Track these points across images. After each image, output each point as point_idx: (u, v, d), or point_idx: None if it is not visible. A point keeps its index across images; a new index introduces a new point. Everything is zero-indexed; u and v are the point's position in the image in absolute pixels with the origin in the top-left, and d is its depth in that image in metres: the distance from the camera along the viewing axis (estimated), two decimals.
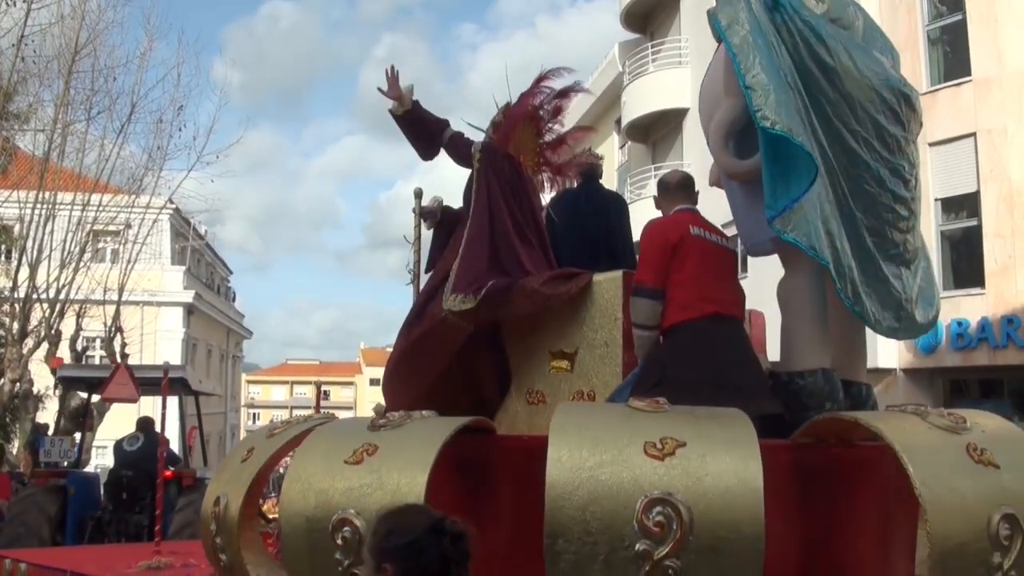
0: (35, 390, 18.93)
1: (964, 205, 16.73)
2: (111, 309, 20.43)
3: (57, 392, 18.51)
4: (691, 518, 2.71)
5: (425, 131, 5.78)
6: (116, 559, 6.39)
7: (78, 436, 17.45)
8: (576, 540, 2.79)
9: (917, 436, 2.91)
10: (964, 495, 2.70)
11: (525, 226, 5.55)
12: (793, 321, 4.50)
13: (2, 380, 17.60)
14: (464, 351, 5.36)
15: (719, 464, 2.80)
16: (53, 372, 17.99)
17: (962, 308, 16.20)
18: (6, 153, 18.74)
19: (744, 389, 4.08)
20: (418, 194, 6.35)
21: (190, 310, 33.32)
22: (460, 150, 5.70)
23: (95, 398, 13.14)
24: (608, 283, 4.92)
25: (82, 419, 13.00)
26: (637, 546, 2.74)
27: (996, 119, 16.08)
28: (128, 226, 21.44)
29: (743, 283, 4.68)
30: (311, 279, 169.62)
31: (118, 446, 11.67)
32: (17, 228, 19.75)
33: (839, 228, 4.27)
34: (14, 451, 18.94)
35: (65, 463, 12.45)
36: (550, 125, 6.03)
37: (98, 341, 23.05)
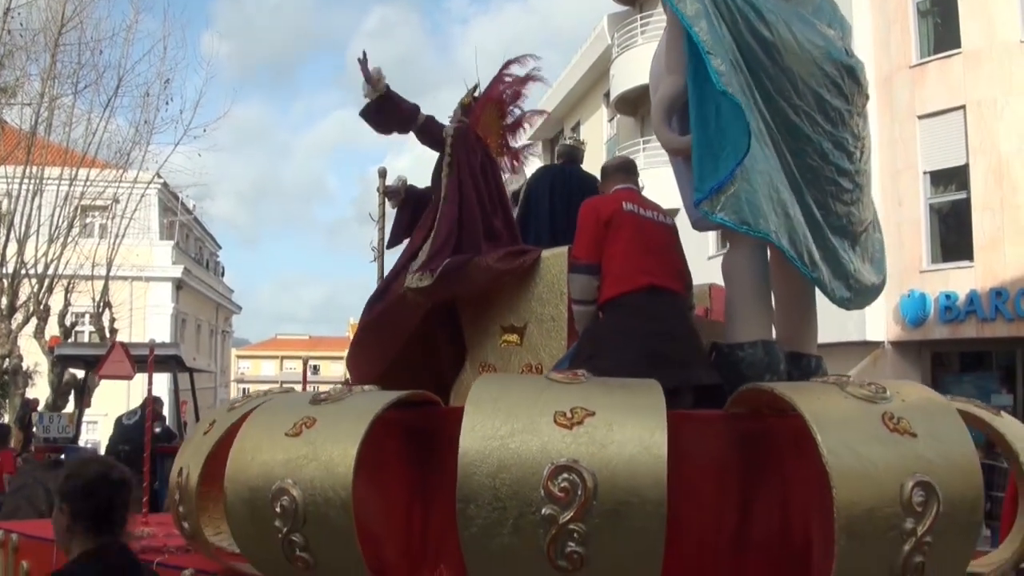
0: (24, 366, 19.06)
1: (953, 178, 16.78)
2: (100, 284, 20.56)
3: (55, 370, 18.73)
4: (595, 484, 2.84)
5: (398, 115, 5.86)
6: None
7: (70, 410, 17.89)
8: (486, 505, 2.94)
9: (830, 405, 3.00)
10: (875, 463, 2.79)
11: (492, 206, 5.71)
12: (734, 294, 4.58)
13: None
14: (425, 327, 5.54)
15: (625, 432, 2.93)
16: (50, 351, 18.36)
17: (951, 281, 16.31)
18: None
19: (677, 360, 4.17)
20: (382, 173, 6.52)
21: (179, 285, 33.30)
22: (433, 134, 5.82)
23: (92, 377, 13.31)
24: (555, 259, 5.04)
25: (80, 395, 13.22)
26: (543, 511, 2.88)
27: (986, 91, 16.09)
28: (116, 201, 21.45)
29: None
30: (301, 254, 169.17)
31: (118, 421, 12.02)
32: (5, 203, 19.78)
33: (792, 197, 4.36)
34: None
35: (62, 438, 12.65)
36: (511, 108, 6.23)
37: (87, 316, 23.12)
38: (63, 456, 11.36)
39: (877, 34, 17.59)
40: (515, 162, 6.38)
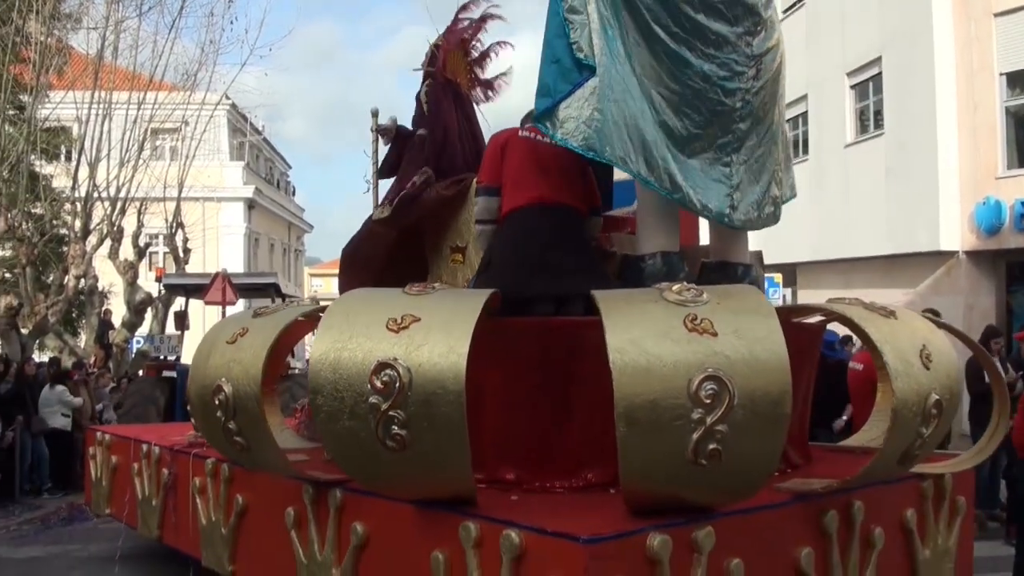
0: (99, 286, 20.19)
1: None
2: (172, 205, 21.47)
3: (160, 297, 20.13)
4: (410, 378, 3.39)
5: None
6: (177, 432, 7.31)
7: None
8: (329, 396, 3.54)
9: (635, 310, 3.34)
10: (661, 358, 3.11)
11: (462, 141, 6.47)
12: (640, 211, 4.95)
13: (67, 277, 18.74)
14: (398, 254, 6.27)
15: (438, 335, 3.45)
16: (158, 280, 19.76)
17: None
18: (61, 54, 19.60)
19: (555, 269, 4.58)
20: (375, 113, 7.09)
21: (251, 205, 34.30)
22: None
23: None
24: None
25: (181, 320, 14.62)
26: (371, 400, 3.45)
27: None
28: (185, 123, 22.28)
29: None
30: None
31: None
32: (75, 128, 20.76)
33: (655, 126, 4.64)
34: (82, 344, 20.34)
35: (172, 357, 14.47)
36: (473, 43, 6.80)
37: (160, 237, 24.24)
38: (174, 373, 12.91)
39: None
40: (489, 91, 6.95)
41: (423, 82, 6.59)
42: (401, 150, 6.55)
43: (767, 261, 21.64)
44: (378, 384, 3.42)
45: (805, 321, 5.24)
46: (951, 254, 16.72)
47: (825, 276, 19.85)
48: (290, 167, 47.75)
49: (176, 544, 6.48)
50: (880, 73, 18.18)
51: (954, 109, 16.59)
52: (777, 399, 3.16)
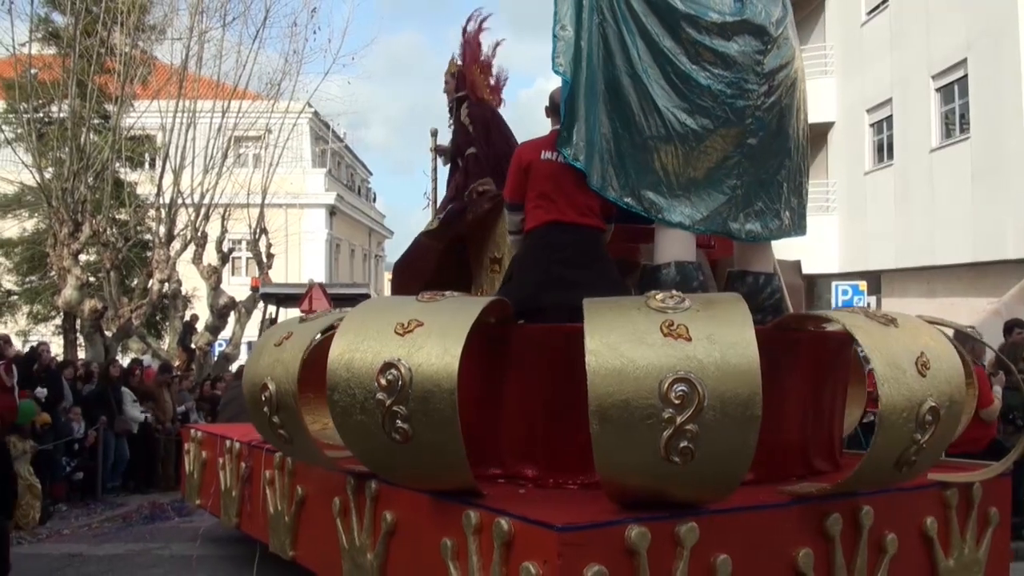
0: (183, 290, 21.07)
1: None
2: (255, 212, 22.24)
3: (257, 305, 20.92)
4: (411, 377, 3.77)
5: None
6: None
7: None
8: (343, 393, 3.96)
9: (615, 316, 3.65)
10: (635, 361, 3.41)
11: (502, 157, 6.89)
12: (656, 222, 5.24)
13: (151, 281, 19.60)
14: (446, 261, 6.87)
15: (436, 339, 3.84)
16: (254, 290, 20.95)
17: None
18: (145, 64, 20.53)
19: (569, 283, 4.92)
20: (434, 133, 7.86)
21: (332, 211, 35.28)
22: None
23: (293, 312, 15.22)
24: None
25: (271, 325, 15.48)
26: (377, 396, 3.85)
27: None
28: (268, 131, 23.07)
29: None
30: None
31: None
32: (160, 137, 21.69)
33: (656, 144, 5.05)
34: (165, 347, 21.24)
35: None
36: (482, 58, 7.32)
37: (243, 243, 25.10)
38: None
39: None
40: (497, 96, 7.45)
41: (459, 105, 7.15)
42: (462, 170, 7.13)
43: (850, 268, 21.74)
44: (384, 382, 3.82)
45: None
46: None
47: (909, 284, 19.71)
48: (371, 174, 48.97)
49: (250, 531, 7.09)
50: (966, 76, 18.01)
51: None
52: (747, 402, 3.43)
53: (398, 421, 3.81)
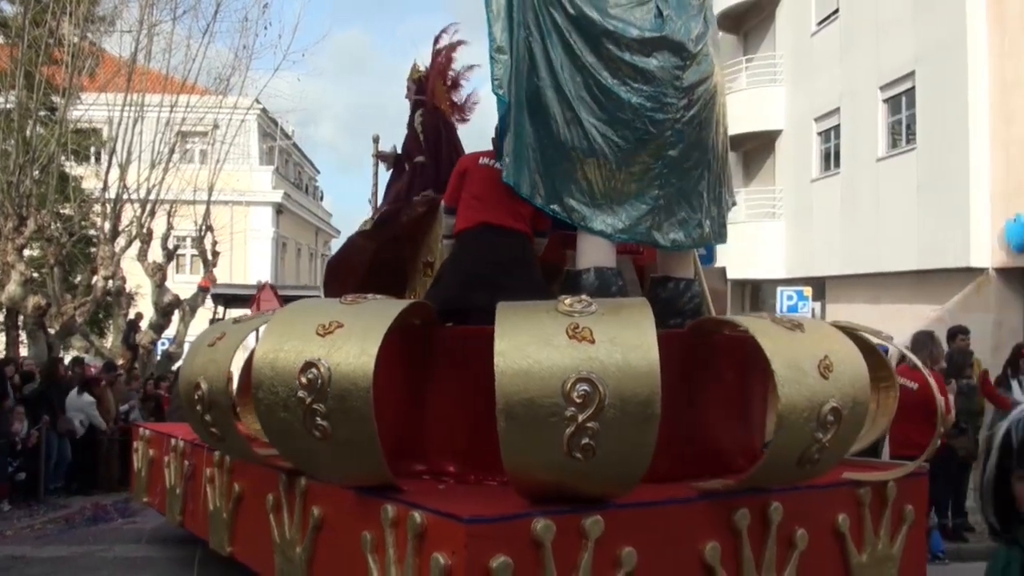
0: (127, 288, 21.01)
1: None
2: (201, 209, 22.21)
3: (206, 306, 21.17)
4: (330, 376, 3.98)
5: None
6: None
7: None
8: (268, 392, 4.16)
9: (525, 319, 3.90)
10: (540, 362, 3.65)
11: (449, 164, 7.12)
12: (579, 229, 5.50)
13: (96, 278, 19.55)
14: (381, 263, 7.00)
15: (355, 339, 4.05)
16: (205, 290, 21.06)
17: None
18: (93, 56, 20.45)
19: (493, 285, 5.13)
20: (375, 139, 8.10)
21: (279, 209, 35.31)
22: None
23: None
24: None
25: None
26: (299, 394, 4.05)
27: None
28: (216, 126, 23.07)
29: None
30: None
31: None
32: (106, 130, 21.61)
33: (579, 155, 5.29)
34: (108, 345, 21.17)
35: None
36: (449, 71, 7.51)
37: (188, 240, 25.06)
38: None
39: None
40: (462, 114, 7.64)
41: (415, 111, 7.37)
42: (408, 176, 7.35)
43: (796, 274, 22.12)
44: (304, 381, 4.02)
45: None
46: (981, 271, 16.96)
47: (854, 291, 20.18)
48: (319, 172, 49.18)
49: (192, 529, 7.28)
50: (914, 88, 18.51)
51: (987, 124, 16.86)
52: (646, 401, 3.67)
53: (318, 419, 4.01)
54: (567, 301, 3.95)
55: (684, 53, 5.31)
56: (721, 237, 5.79)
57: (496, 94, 5.33)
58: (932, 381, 6.59)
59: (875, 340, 5.77)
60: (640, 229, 5.32)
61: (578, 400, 3.60)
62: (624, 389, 3.64)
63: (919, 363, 6.25)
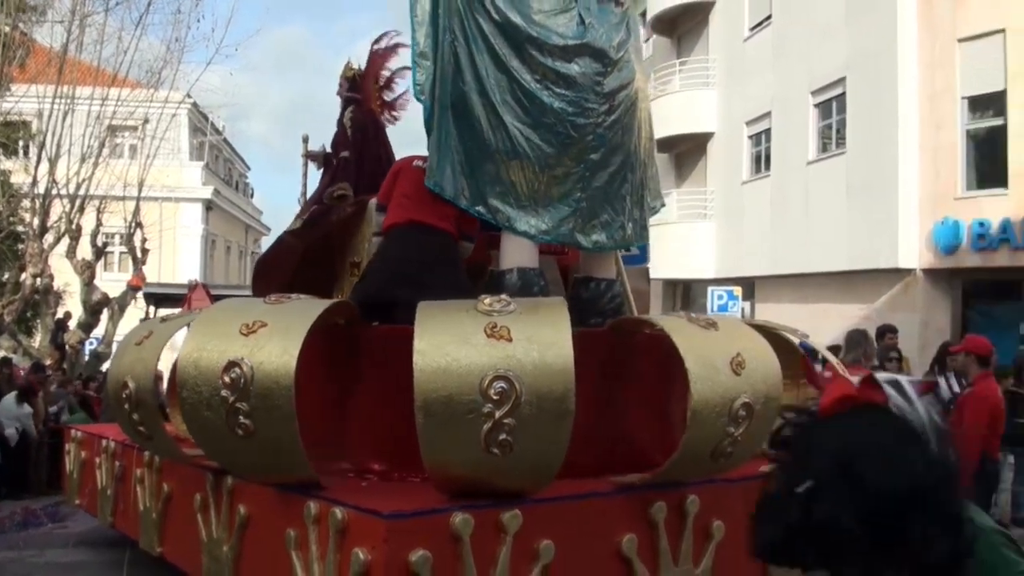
0: (56, 286, 20.67)
1: (991, 104, 16.94)
2: (131, 205, 21.88)
3: (137, 306, 20.84)
4: (252, 375, 4.07)
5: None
6: None
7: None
8: (191, 391, 4.23)
9: (445, 318, 4.04)
10: (459, 360, 3.79)
11: (381, 164, 7.19)
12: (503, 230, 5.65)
13: (24, 275, 19.19)
14: (309, 262, 7.03)
15: (277, 338, 4.16)
16: (135, 289, 20.73)
17: (984, 208, 16.57)
18: (24, 47, 20.06)
19: (416, 282, 5.26)
20: (305, 139, 8.16)
21: (209, 206, 34.99)
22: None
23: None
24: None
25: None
26: (222, 393, 4.13)
27: None
28: (146, 121, 22.81)
29: None
30: None
31: None
32: (35, 123, 21.23)
33: (503, 158, 5.45)
34: (36, 344, 20.83)
35: None
36: (383, 72, 7.72)
37: (117, 237, 24.73)
38: None
39: None
40: (393, 113, 7.82)
41: (345, 108, 7.43)
42: (331, 172, 7.38)
43: (726, 274, 22.47)
44: (227, 380, 4.11)
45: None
46: (909, 271, 17.46)
47: (784, 291, 20.61)
48: (249, 168, 49.06)
49: (123, 529, 7.27)
50: (844, 93, 18.95)
51: (916, 130, 17.35)
52: (561, 397, 3.82)
53: (241, 417, 4.09)
54: (486, 300, 4.08)
55: (605, 60, 5.47)
56: (642, 239, 5.99)
57: (418, 99, 5.51)
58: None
59: (792, 338, 6.00)
60: (563, 230, 5.47)
61: (495, 397, 3.73)
62: (540, 386, 3.78)
63: (832, 358, 6.49)
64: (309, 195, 7.90)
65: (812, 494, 1.32)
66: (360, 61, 7.70)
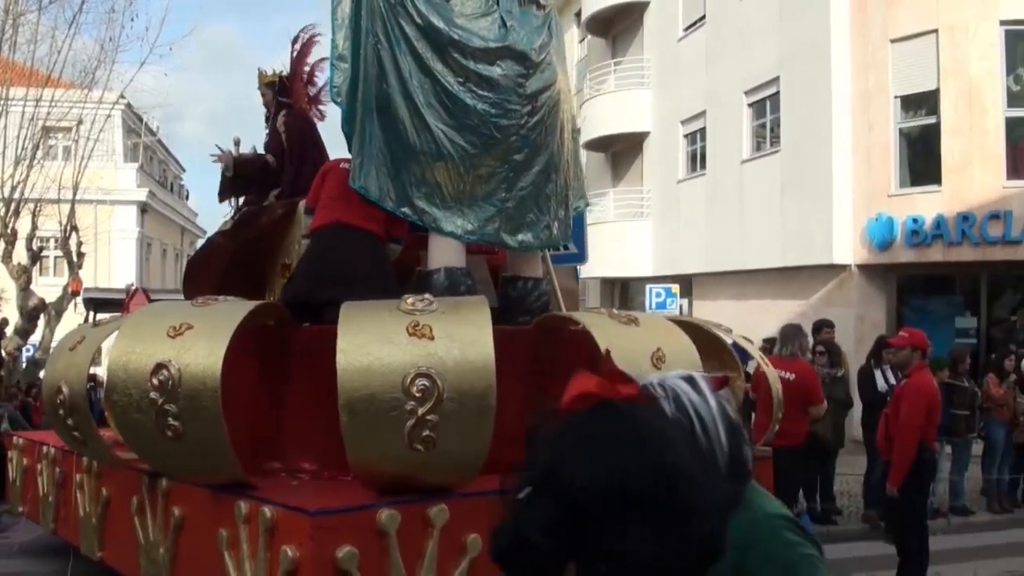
0: None
1: (923, 103, 17.32)
2: (65, 208, 21.43)
3: (77, 311, 20.51)
4: (180, 377, 4.18)
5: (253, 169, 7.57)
6: None
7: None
8: (122, 394, 4.34)
9: (368, 318, 4.18)
10: (381, 359, 3.92)
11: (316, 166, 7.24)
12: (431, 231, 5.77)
13: None
14: (240, 264, 7.07)
15: (203, 340, 4.27)
16: (75, 294, 20.36)
17: (918, 205, 16.94)
18: None
19: (343, 281, 5.37)
20: (236, 143, 8.03)
21: (144, 208, 34.53)
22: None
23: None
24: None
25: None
26: (151, 395, 4.23)
27: (958, 16, 16.47)
28: (80, 122, 22.44)
29: None
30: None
31: None
32: None
33: (428, 159, 5.56)
34: None
35: None
36: (304, 68, 7.78)
37: (52, 241, 24.35)
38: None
39: None
40: (318, 108, 7.88)
41: (277, 113, 7.50)
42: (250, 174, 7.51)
43: (663, 272, 22.64)
44: (156, 382, 4.21)
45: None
46: (844, 267, 17.76)
47: (720, 287, 20.90)
48: (184, 170, 48.66)
49: (65, 535, 7.30)
50: (778, 92, 19.26)
51: (850, 129, 17.69)
52: (483, 394, 3.97)
53: (170, 419, 4.20)
54: (409, 300, 4.20)
55: (527, 62, 5.61)
56: (567, 238, 6.14)
57: (334, 101, 5.61)
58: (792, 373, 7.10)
59: (722, 335, 6.19)
60: (488, 230, 5.60)
61: (418, 394, 3.86)
62: (462, 383, 3.92)
63: (760, 357, 6.69)
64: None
65: (528, 502, 1.22)
66: (276, 67, 7.79)
